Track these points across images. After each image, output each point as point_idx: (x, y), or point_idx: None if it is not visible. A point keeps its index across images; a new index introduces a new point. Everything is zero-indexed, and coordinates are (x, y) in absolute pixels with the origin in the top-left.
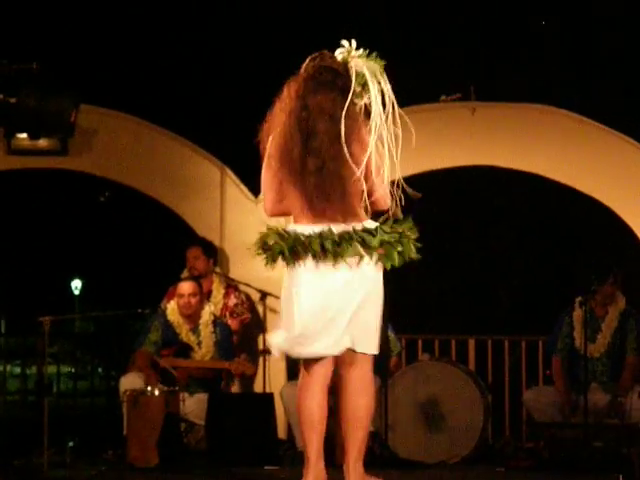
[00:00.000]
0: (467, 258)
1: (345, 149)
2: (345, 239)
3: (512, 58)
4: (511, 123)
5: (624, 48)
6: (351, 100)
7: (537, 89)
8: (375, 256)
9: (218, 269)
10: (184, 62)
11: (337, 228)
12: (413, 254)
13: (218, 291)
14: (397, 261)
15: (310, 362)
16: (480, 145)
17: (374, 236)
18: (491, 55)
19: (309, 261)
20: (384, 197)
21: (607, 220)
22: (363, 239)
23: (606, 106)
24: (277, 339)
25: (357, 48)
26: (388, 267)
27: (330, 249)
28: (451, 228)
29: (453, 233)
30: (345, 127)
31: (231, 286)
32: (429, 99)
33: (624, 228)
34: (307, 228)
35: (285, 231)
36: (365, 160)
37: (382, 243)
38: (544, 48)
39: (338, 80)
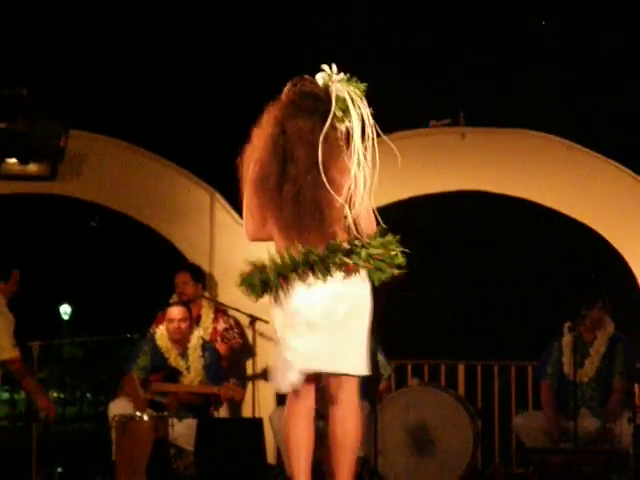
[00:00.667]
0: (456, 283)
1: (323, 175)
2: (330, 251)
3: (502, 83)
4: (501, 148)
5: (616, 74)
6: (332, 124)
7: (527, 114)
8: (363, 270)
9: (207, 294)
10: (173, 87)
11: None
12: (401, 261)
13: (207, 316)
14: (387, 273)
15: (295, 389)
16: (470, 170)
17: (361, 249)
18: (481, 80)
19: (297, 285)
20: (368, 221)
21: (596, 245)
22: (349, 250)
23: (596, 132)
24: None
25: (338, 72)
26: (377, 283)
27: (317, 262)
28: (441, 253)
29: (442, 258)
30: (324, 152)
31: (220, 311)
32: (419, 124)
33: (613, 252)
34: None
35: (265, 263)
36: (346, 184)
37: (369, 256)
38: (535, 73)
39: (319, 105)
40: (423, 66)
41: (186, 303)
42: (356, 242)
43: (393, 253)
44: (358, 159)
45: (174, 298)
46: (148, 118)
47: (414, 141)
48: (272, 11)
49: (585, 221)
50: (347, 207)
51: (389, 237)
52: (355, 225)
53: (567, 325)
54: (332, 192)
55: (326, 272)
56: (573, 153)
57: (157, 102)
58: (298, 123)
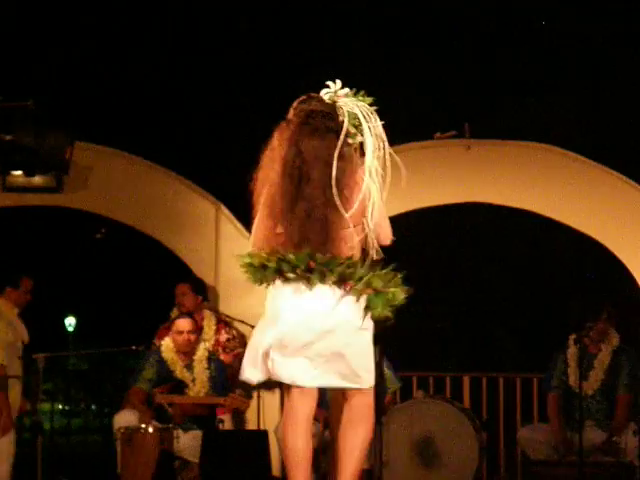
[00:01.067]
0: (461, 295)
1: (336, 194)
2: (332, 263)
3: (507, 95)
4: (506, 160)
5: (620, 87)
6: (345, 141)
7: (532, 127)
8: (362, 297)
9: (207, 304)
10: (179, 99)
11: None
12: (401, 300)
13: (209, 327)
14: (383, 309)
15: (293, 398)
16: (475, 182)
17: (361, 278)
18: (486, 92)
19: (293, 283)
20: (385, 233)
21: (601, 257)
22: (351, 274)
23: (601, 144)
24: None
25: (342, 87)
26: (374, 316)
27: (316, 268)
28: (445, 265)
29: (448, 270)
30: (338, 170)
31: (222, 322)
32: (424, 137)
33: (618, 265)
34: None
35: (270, 253)
36: (359, 200)
37: (369, 285)
38: (540, 85)
39: (331, 123)
40: (428, 78)
41: (191, 314)
42: (361, 268)
43: (392, 293)
44: (370, 173)
45: (174, 312)
46: (154, 130)
47: (419, 153)
48: (279, 26)
49: (590, 233)
50: (363, 222)
51: (394, 276)
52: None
53: (572, 337)
54: (342, 211)
55: (322, 279)
56: (578, 165)
57: (163, 114)
58: (313, 143)
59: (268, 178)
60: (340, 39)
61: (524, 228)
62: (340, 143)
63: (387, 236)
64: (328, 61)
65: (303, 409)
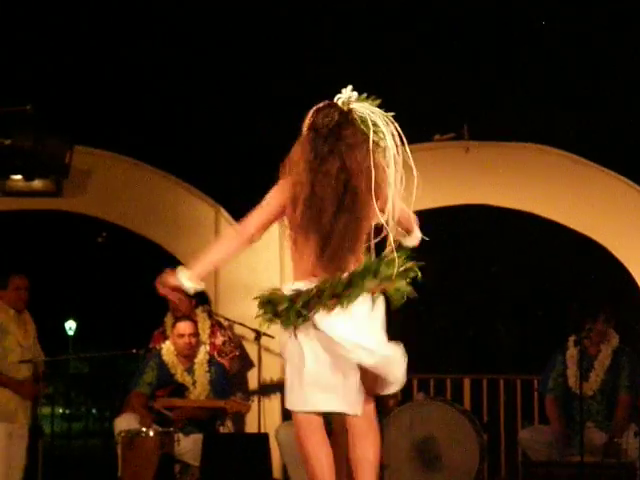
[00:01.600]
0: (461, 297)
1: (374, 201)
2: (357, 275)
3: (506, 97)
4: (505, 162)
5: (618, 88)
6: (373, 150)
7: (531, 128)
8: (379, 296)
9: (204, 307)
10: (179, 103)
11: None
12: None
13: (203, 331)
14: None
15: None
16: (474, 184)
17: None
18: (485, 94)
19: (317, 315)
20: (409, 221)
21: (600, 257)
22: (376, 271)
23: (600, 145)
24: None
25: (352, 90)
26: (397, 303)
27: (341, 293)
28: (446, 268)
29: (447, 272)
30: (375, 178)
31: (216, 324)
32: (423, 138)
33: (618, 265)
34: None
35: (292, 292)
36: (390, 203)
37: (393, 275)
38: (538, 87)
39: (358, 132)
40: (427, 79)
41: (188, 317)
42: (375, 262)
43: (407, 266)
44: (395, 178)
45: (169, 317)
46: (153, 134)
47: (417, 155)
48: (276, 28)
49: (589, 233)
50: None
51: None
52: (401, 227)
53: (572, 339)
54: (380, 217)
55: (351, 300)
56: (576, 166)
57: (162, 118)
58: (354, 155)
59: (304, 190)
60: (340, 40)
61: (523, 229)
62: (371, 152)
63: (410, 226)
64: (327, 62)
65: (316, 418)
